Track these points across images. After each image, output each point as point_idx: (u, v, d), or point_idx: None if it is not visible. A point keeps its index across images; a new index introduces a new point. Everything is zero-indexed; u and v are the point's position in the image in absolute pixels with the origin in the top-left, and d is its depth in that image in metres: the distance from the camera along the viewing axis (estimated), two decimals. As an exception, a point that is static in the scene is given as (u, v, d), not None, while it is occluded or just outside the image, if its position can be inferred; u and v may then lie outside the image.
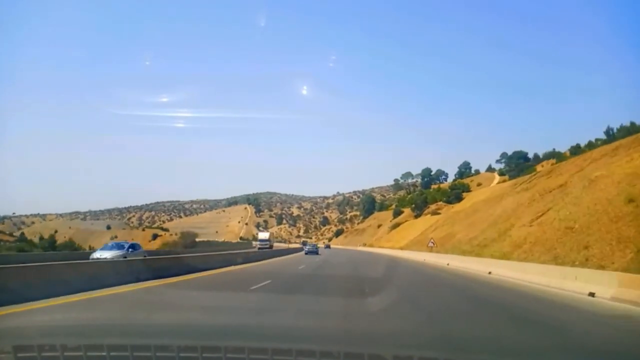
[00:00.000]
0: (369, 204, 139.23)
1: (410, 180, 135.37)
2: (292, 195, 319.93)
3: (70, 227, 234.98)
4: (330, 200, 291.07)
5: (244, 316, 8.73)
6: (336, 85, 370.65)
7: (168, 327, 5.64)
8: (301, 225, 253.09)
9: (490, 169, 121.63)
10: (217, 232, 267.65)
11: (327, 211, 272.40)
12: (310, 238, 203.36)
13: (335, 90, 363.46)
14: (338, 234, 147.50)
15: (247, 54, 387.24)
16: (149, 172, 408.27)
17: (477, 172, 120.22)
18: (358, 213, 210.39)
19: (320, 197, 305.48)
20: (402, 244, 68.05)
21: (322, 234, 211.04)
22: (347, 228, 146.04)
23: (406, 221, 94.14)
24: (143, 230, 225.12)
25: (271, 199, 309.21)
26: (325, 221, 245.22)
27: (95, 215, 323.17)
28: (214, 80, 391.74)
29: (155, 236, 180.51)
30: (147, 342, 3.37)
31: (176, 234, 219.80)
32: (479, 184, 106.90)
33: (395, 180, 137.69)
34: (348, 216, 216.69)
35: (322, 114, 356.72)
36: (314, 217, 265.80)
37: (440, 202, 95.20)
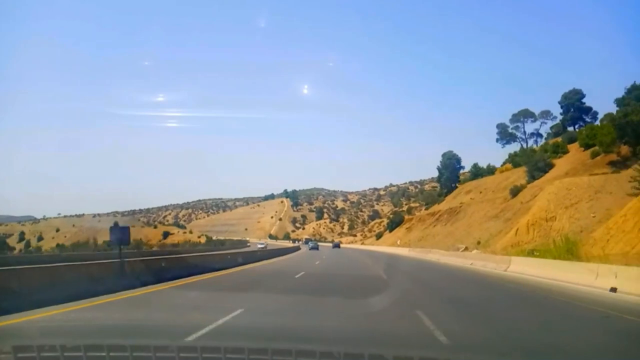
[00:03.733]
0: (451, 170, 69.21)
1: (529, 123, 65.74)
2: (340, 191, 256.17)
3: (73, 225, 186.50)
4: (382, 192, 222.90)
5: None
6: (373, 81, 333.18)
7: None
8: (345, 220, 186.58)
9: None
10: (246, 229, 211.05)
11: (378, 204, 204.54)
12: (355, 235, 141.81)
13: (372, 87, 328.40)
14: (393, 226, 76.44)
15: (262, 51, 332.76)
16: (191, 171, 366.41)
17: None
18: (418, 204, 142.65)
19: (370, 188, 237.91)
20: None
21: (369, 230, 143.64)
22: (410, 216, 76.32)
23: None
24: (155, 227, 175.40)
25: (313, 193, 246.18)
26: (376, 215, 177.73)
27: (133, 213, 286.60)
28: (246, 78, 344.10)
29: (166, 234, 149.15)
30: (147, 342, 3.14)
31: (190, 232, 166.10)
32: None
33: (500, 125, 67.50)
34: (405, 208, 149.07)
35: (363, 110, 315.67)
36: (361, 211, 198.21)
37: None
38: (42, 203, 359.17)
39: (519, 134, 66.87)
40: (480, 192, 49.74)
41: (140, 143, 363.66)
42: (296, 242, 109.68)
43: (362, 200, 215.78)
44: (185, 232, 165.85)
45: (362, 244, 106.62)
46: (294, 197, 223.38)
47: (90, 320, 7.34)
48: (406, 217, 75.96)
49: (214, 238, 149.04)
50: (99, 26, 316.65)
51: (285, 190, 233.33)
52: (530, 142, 68.00)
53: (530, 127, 68.58)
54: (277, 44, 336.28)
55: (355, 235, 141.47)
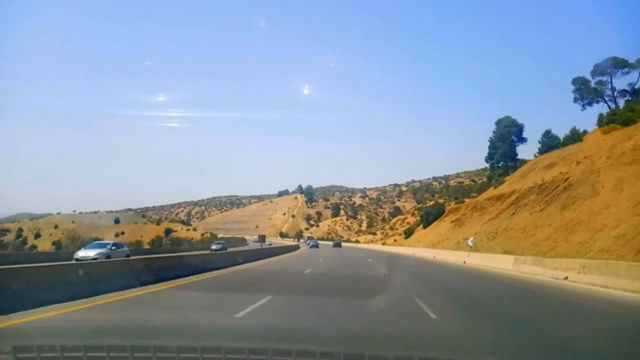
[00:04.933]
0: (509, 143, 48.19)
1: (619, 77, 45.34)
2: (358, 188, 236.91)
3: (72, 222, 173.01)
4: (404, 188, 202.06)
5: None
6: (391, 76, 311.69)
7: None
8: (363, 218, 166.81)
9: None
10: (257, 226, 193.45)
11: (399, 200, 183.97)
12: (374, 234, 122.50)
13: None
14: (430, 219, 56.28)
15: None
16: (206, 168, 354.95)
17: None
18: (443, 200, 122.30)
19: (390, 184, 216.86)
20: None
21: (391, 228, 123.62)
22: (456, 204, 53.98)
23: None
24: (157, 224, 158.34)
25: (330, 190, 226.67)
26: (397, 211, 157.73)
27: (146, 210, 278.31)
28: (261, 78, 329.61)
29: (168, 231, 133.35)
30: (147, 342, 3.00)
31: (194, 229, 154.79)
32: None
33: (579, 81, 47.06)
34: (431, 204, 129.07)
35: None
36: (381, 208, 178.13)
37: None
38: (58, 201, 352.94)
39: (606, 90, 46.14)
40: (578, 163, 30.00)
41: (154, 142, 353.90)
42: (264, 241, 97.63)
43: (381, 197, 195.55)
44: (188, 230, 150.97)
45: (383, 243, 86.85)
46: (309, 193, 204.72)
47: (90, 321, 6.45)
48: (452, 205, 55.35)
49: (218, 236, 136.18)
50: (100, 25, 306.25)
51: (300, 186, 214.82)
52: (620, 102, 47.29)
53: (620, 81, 47.91)
54: (286, 42, 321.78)
55: (374, 234, 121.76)
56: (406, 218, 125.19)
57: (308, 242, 75.50)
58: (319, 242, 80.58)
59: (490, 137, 50.17)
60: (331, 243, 79.81)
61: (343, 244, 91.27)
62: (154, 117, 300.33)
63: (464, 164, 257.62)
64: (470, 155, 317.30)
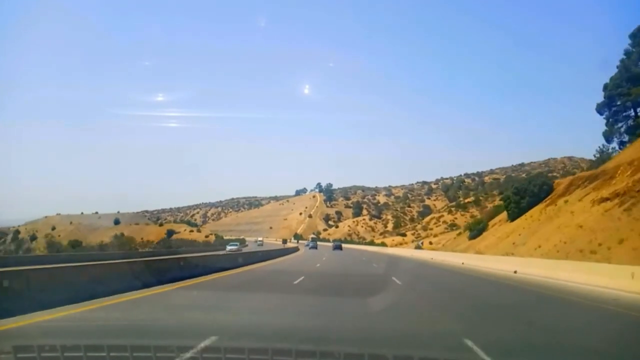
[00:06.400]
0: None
1: None
2: (383, 187, 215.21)
3: (71, 223, 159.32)
4: (434, 185, 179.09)
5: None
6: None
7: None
8: (389, 217, 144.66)
9: None
10: (271, 227, 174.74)
11: (429, 198, 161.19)
12: (404, 235, 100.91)
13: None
14: (523, 206, 29.54)
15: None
16: (225, 170, 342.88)
17: None
18: (481, 197, 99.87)
19: (418, 182, 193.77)
20: None
21: (424, 228, 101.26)
22: (591, 170, 29.21)
23: None
24: (160, 225, 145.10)
25: (351, 189, 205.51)
26: (427, 210, 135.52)
27: (162, 212, 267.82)
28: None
29: (171, 233, 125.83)
30: (147, 342, 3.02)
31: (199, 230, 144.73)
32: None
33: None
34: (470, 199, 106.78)
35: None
36: (409, 207, 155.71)
37: None
38: (73, 203, 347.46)
39: None
40: None
41: (167, 143, 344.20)
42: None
43: (409, 195, 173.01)
44: (192, 231, 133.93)
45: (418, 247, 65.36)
46: (328, 192, 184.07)
47: (91, 321, 6.59)
48: (563, 179, 31.87)
49: (225, 237, 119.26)
50: (99, 25, 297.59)
51: (319, 184, 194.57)
52: None
53: None
54: (297, 39, 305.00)
55: (404, 235, 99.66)
56: (441, 216, 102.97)
57: (307, 244, 74.10)
58: (332, 243, 74.02)
59: (620, 62, 27.69)
60: (367, 247, 72.72)
61: (365, 247, 75.53)
62: (160, 117, 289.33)
63: (488, 163, 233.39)
64: (496, 155, 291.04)
